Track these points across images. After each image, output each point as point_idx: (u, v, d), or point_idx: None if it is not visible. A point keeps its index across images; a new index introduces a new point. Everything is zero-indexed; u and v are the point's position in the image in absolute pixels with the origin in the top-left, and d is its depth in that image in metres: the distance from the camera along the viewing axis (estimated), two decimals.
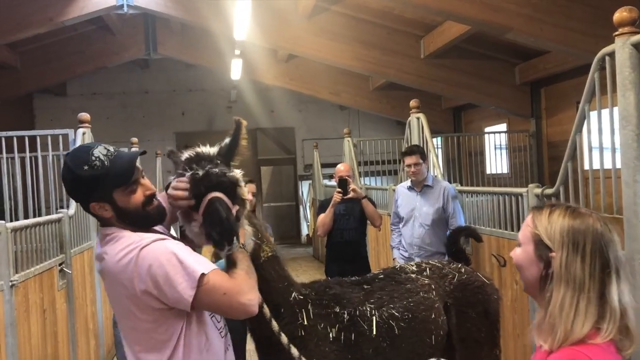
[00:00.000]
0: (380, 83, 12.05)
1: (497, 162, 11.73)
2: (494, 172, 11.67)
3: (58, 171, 5.85)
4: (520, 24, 6.78)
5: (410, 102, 6.44)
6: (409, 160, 5.12)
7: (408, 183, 5.35)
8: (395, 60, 9.97)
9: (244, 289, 1.92)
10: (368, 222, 5.54)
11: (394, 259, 5.38)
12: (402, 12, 8.96)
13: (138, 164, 2.00)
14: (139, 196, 1.99)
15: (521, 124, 10.88)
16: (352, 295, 2.82)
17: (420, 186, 5.19)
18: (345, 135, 9.87)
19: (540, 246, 1.55)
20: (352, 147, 9.59)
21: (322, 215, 5.47)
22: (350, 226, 5.45)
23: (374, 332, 2.75)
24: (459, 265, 3.35)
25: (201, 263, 1.90)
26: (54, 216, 4.59)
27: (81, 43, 11.59)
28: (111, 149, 1.97)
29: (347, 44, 9.78)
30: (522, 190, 4.13)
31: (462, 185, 8.35)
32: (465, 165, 11.87)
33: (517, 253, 1.64)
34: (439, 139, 11.49)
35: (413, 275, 3.09)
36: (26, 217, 5.45)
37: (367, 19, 9.57)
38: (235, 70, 11.18)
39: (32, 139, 5.92)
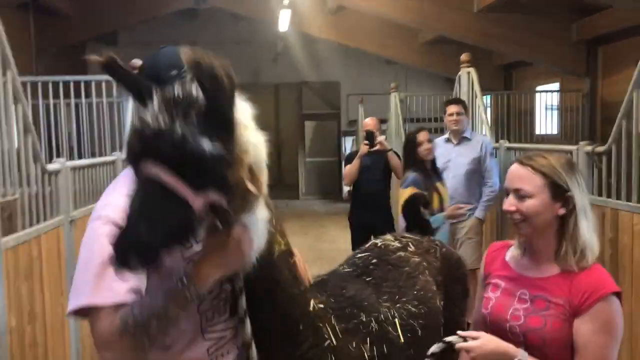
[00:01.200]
0: (430, 37, 11.78)
1: (547, 122, 11.44)
2: (543, 132, 11.40)
3: (110, 117, 6.04)
4: None
5: (461, 56, 6.32)
6: (451, 109, 5.22)
7: (446, 135, 5.39)
8: (447, 13, 9.72)
9: (106, 344, 1.39)
10: (393, 174, 5.85)
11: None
12: None
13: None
14: None
15: (574, 83, 10.52)
16: (366, 294, 2.19)
17: (458, 138, 5.24)
18: (392, 91, 9.75)
19: (556, 189, 1.83)
20: (398, 102, 9.49)
21: (348, 166, 5.81)
22: (376, 177, 5.78)
23: (402, 339, 2.17)
24: (429, 238, 2.88)
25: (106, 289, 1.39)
26: (108, 158, 4.77)
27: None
28: None
29: None
30: (572, 147, 4.06)
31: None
32: (514, 124, 11.61)
33: (528, 204, 1.84)
34: (488, 97, 11.24)
35: (403, 254, 2.53)
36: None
37: None
38: (283, 22, 11.10)
39: (87, 84, 6.10)
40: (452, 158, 5.19)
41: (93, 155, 6.23)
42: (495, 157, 5.44)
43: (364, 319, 2.05)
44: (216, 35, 15.10)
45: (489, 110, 11.46)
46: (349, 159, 5.99)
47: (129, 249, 1.22)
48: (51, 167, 3.45)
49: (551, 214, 1.84)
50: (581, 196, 1.85)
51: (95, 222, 1.42)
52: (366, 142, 5.63)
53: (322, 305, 1.91)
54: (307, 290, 1.87)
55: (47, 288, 3.31)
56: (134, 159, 1.27)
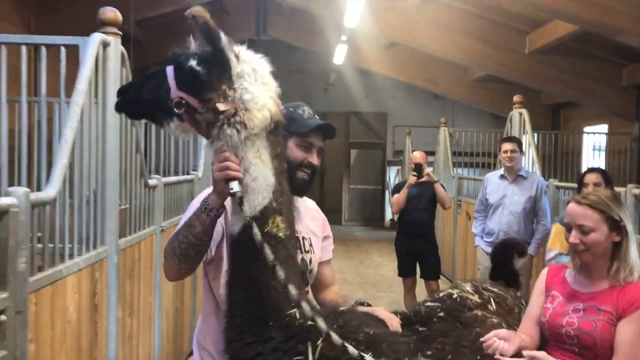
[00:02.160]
0: (479, 75, 12.13)
1: (594, 163, 11.53)
2: None
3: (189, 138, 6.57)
4: (632, 26, 6.76)
5: (514, 97, 6.65)
6: (506, 146, 5.41)
7: (500, 172, 5.61)
8: (498, 53, 10.06)
9: (164, 252, 1.99)
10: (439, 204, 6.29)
11: (476, 246, 5.73)
12: (510, 6, 9.04)
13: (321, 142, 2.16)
14: (301, 155, 2.10)
15: (623, 126, 10.66)
16: (397, 339, 1.92)
17: (513, 175, 5.42)
18: (441, 125, 10.11)
19: (613, 222, 2.20)
20: (447, 136, 9.83)
21: (397, 195, 6.24)
22: (422, 207, 6.17)
23: None
24: (517, 294, 2.61)
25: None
26: (189, 176, 5.29)
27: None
28: (313, 116, 2.22)
29: (451, 35, 9.97)
30: (621, 189, 4.32)
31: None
32: (561, 164, 11.75)
33: (591, 237, 2.19)
34: (536, 135, 11.45)
35: (479, 313, 2.26)
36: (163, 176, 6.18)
37: (473, 12, 9.70)
38: (339, 55, 11.64)
39: None
40: (507, 195, 5.40)
41: (168, 172, 6.76)
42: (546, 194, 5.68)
43: None
44: (272, 64, 15.73)
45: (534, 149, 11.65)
46: (397, 188, 6.42)
47: (118, 92, 1.92)
48: (151, 182, 3.95)
49: (609, 242, 2.23)
50: (629, 224, 2.24)
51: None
52: (414, 173, 6.05)
53: (312, 323, 1.73)
54: (294, 299, 1.74)
55: (142, 287, 3.77)
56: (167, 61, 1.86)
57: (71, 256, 2.73)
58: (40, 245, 2.45)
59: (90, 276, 2.89)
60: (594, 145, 11.67)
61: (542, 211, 5.34)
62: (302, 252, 2.17)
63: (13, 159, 3.41)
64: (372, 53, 12.44)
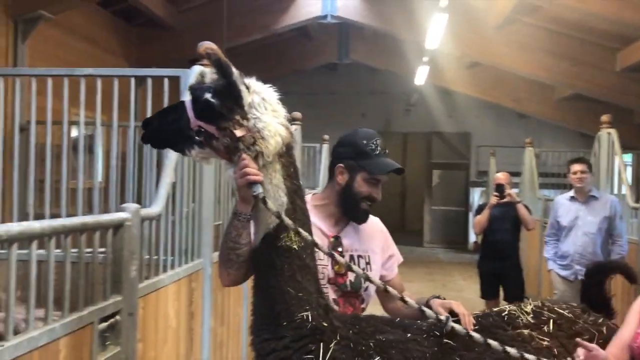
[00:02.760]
0: (567, 94, 11.79)
1: None
2: None
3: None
4: None
5: (602, 117, 6.46)
6: (575, 167, 5.31)
7: (570, 194, 5.48)
8: (586, 71, 9.79)
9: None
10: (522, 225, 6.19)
11: (549, 270, 5.60)
12: (597, 24, 8.82)
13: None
14: (367, 190, 2.25)
15: None
16: (412, 347, 1.95)
17: (584, 196, 5.30)
18: (526, 145, 9.91)
19: None
20: (533, 157, 9.62)
21: (479, 216, 6.26)
22: (504, 227, 6.12)
23: None
24: (599, 319, 2.29)
25: None
26: None
27: (283, 47, 12.96)
28: (383, 147, 2.27)
29: (535, 54, 9.83)
30: None
31: None
32: None
33: None
34: (630, 155, 10.96)
35: (526, 332, 2.09)
36: None
37: (558, 30, 9.53)
38: (420, 76, 11.73)
39: None
40: (580, 216, 5.28)
41: None
42: (637, 216, 5.50)
43: None
44: (353, 86, 16.10)
45: (629, 169, 11.14)
46: (480, 209, 6.43)
47: (143, 124, 2.05)
48: None
49: None
50: None
51: None
52: (496, 194, 6.03)
53: (326, 325, 1.91)
54: (309, 303, 1.92)
55: (232, 298, 4.03)
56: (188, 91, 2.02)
57: (172, 267, 3.02)
58: (147, 257, 2.75)
59: (188, 286, 3.17)
60: None
61: (618, 231, 5.18)
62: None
63: (124, 178, 3.80)
64: (453, 73, 12.43)
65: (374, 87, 16.10)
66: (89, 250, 2.26)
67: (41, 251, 2.00)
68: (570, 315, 2.23)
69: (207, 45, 1.84)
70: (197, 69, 3.36)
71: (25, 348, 1.71)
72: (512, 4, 8.30)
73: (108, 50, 9.49)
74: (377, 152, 2.25)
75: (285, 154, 1.96)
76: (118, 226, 2.29)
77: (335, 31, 12.50)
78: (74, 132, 5.04)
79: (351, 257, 2.27)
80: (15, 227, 1.63)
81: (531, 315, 2.19)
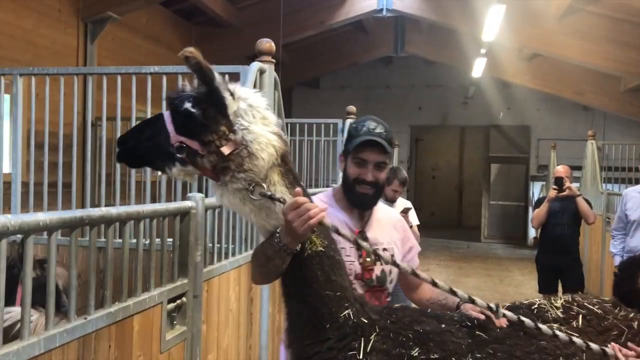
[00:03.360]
0: (634, 84, 11.33)
1: None
2: None
3: (329, 153, 7.04)
4: None
5: None
6: None
7: None
8: None
9: (252, 263, 2.06)
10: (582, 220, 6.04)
11: (616, 266, 5.45)
12: None
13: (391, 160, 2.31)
14: (355, 172, 2.15)
15: None
16: (448, 338, 1.96)
17: None
18: (589, 138, 9.62)
19: None
20: (595, 150, 9.33)
21: (537, 210, 6.13)
22: (564, 222, 5.99)
23: None
24: (630, 314, 2.22)
25: None
26: (327, 189, 5.66)
27: (339, 42, 13.04)
28: (378, 129, 2.15)
29: (599, 44, 9.50)
30: None
31: None
32: None
33: None
34: None
35: (555, 326, 2.06)
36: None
37: (623, 18, 9.17)
38: (478, 68, 11.55)
39: (309, 125, 7.20)
40: None
41: (316, 185, 7.26)
42: None
43: (415, 354, 1.90)
44: (408, 79, 16.01)
45: None
46: (538, 203, 6.32)
47: (118, 142, 1.86)
48: None
49: None
50: None
51: None
52: (555, 187, 5.95)
53: (365, 320, 1.91)
54: (347, 299, 1.90)
55: None
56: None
57: (233, 254, 3.17)
58: (210, 245, 2.91)
59: (247, 272, 3.31)
60: None
61: None
62: (382, 264, 2.18)
63: None
64: (513, 65, 12.17)
65: (430, 80, 15.95)
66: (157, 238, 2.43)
67: (118, 240, 2.17)
68: (599, 311, 2.18)
69: (186, 50, 1.68)
70: (255, 65, 3.50)
71: (105, 322, 1.88)
72: None
73: (170, 48, 9.84)
74: (361, 131, 2.15)
75: (283, 161, 1.83)
76: (185, 213, 2.45)
77: (391, 24, 12.47)
78: None
79: (375, 250, 2.09)
80: (96, 211, 1.79)
81: (560, 310, 2.16)
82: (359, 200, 2.18)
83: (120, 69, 3.91)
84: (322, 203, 2.04)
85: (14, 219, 1.48)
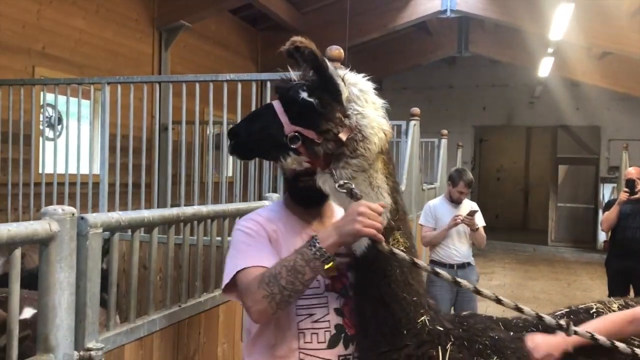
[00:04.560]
0: None
1: None
2: None
3: (392, 154, 7.10)
4: None
5: None
6: None
7: None
8: None
9: (253, 294, 1.64)
10: None
11: None
12: None
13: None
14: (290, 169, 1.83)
15: None
16: (521, 346, 1.91)
17: None
18: None
19: None
20: None
21: (607, 212, 6.02)
22: (635, 225, 5.81)
23: None
24: None
25: (250, 257, 1.74)
26: None
27: (401, 43, 13.05)
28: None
29: None
30: None
31: None
32: None
33: None
34: None
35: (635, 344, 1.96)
36: None
37: None
38: (544, 68, 11.31)
39: None
40: None
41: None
42: None
43: None
44: (472, 79, 15.79)
45: None
46: (608, 205, 6.20)
47: (229, 134, 1.80)
48: None
49: None
50: None
51: (238, 225, 1.87)
52: (626, 189, 5.81)
53: (441, 328, 1.82)
54: (422, 306, 1.80)
55: None
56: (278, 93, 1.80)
57: None
58: None
59: None
60: None
61: None
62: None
63: (246, 173, 4.19)
64: (581, 64, 11.83)
65: (495, 80, 15.68)
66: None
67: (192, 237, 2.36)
68: None
69: (296, 39, 1.64)
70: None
71: (196, 310, 2.07)
72: None
73: (238, 53, 10.20)
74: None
75: (386, 150, 1.79)
76: None
77: (455, 25, 12.38)
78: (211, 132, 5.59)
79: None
80: (189, 209, 1.99)
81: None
82: (306, 195, 1.87)
83: (198, 76, 4.16)
84: (266, 210, 1.91)
85: (124, 215, 1.69)
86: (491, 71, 15.47)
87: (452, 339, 1.82)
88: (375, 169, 1.74)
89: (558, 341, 1.89)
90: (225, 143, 4.29)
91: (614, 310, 2.13)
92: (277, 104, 1.75)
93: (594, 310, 2.14)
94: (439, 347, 1.79)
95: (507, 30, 11.44)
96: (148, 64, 7.83)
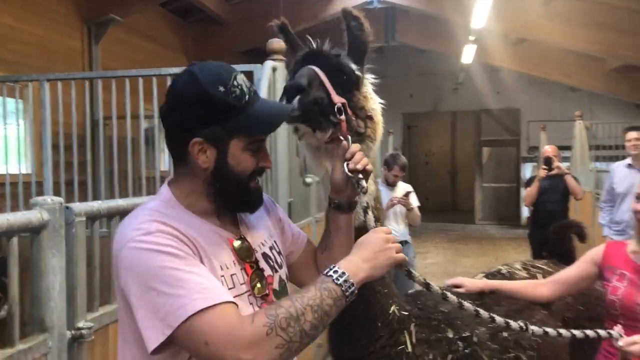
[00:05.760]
0: (617, 65, 11.71)
1: None
2: None
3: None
4: None
5: None
6: (631, 135, 5.55)
7: (627, 161, 5.68)
8: (635, 41, 9.75)
9: (244, 341, 1.20)
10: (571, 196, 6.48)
11: (604, 236, 5.81)
12: None
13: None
14: (253, 162, 1.42)
15: None
16: (462, 315, 2.03)
17: None
18: (576, 118, 9.99)
19: None
20: (583, 130, 9.71)
21: (528, 189, 6.56)
22: (554, 199, 6.39)
23: None
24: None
25: (206, 290, 1.23)
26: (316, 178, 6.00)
27: (331, 33, 13.26)
28: (254, 88, 1.46)
29: (582, 28, 9.87)
30: None
31: None
32: None
33: None
34: None
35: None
36: None
37: (604, 1, 9.53)
38: (467, 55, 11.89)
39: None
40: (634, 182, 5.47)
41: None
42: None
43: (451, 336, 1.99)
44: (401, 68, 16.29)
45: None
46: (529, 182, 6.73)
47: (291, 89, 1.58)
48: (307, 180, 4.69)
49: None
50: None
51: (136, 243, 1.25)
52: (544, 167, 6.34)
53: (405, 313, 1.91)
54: (391, 296, 1.87)
55: None
56: (303, 60, 1.73)
57: None
58: None
59: None
60: None
61: None
62: (275, 271, 1.52)
63: None
64: (501, 50, 12.49)
65: (422, 68, 16.25)
66: None
67: None
68: (550, 269, 2.69)
69: (350, 9, 1.68)
70: (269, 63, 3.82)
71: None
72: None
73: (169, 46, 10.11)
74: (247, 97, 1.39)
75: None
76: None
77: (382, 15, 12.74)
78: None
79: (264, 255, 1.51)
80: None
81: (524, 272, 2.66)
82: (254, 200, 1.48)
83: (140, 71, 4.23)
84: (162, 216, 1.33)
85: (103, 204, 1.81)
86: (418, 59, 16.01)
87: (414, 319, 1.95)
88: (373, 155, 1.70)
89: (479, 283, 2.37)
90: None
91: (518, 268, 2.69)
92: (320, 72, 1.62)
93: (503, 271, 2.65)
94: (405, 331, 1.91)
95: (433, 19, 11.91)
96: (79, 60, 7.67)
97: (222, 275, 1.33)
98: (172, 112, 1.36)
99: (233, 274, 1.37)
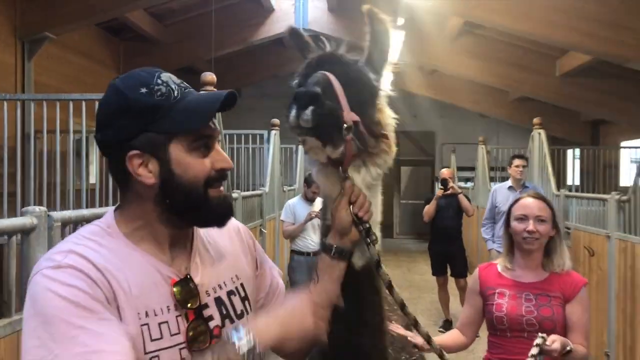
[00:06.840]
0: (518, 95, 13.04)
1: (631, 175, 12.15)
2: (627, 184, 12.12)
3: (256, 159, 7.96)
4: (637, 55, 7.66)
5: (534, 119, 7.65)
6: (518, 162, 6.48)
7: (508, 183, 6.59)
8: (530, 77, 11.03)
9: None
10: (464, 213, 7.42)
11: (489, 250, 6.70)
12: (536, 37, 10.03)
13: (219, 123, 1.58)
14: (205, 165, 1.24)
15: None
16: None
17: (520, 187, 6.40)
18: (479, 143, 11.12)
19: (553, 217, 2.60)
20: (485, 153, 10.83)
21: (427, 206, 7.42)
22: (449, 215, 7.30)
23: None
24: None
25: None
26: (257, 191, 6.61)
27: (261, 55, 13.93)
28: (185, 83, 1.29)
29: (486, 62, 11.04)
30: (607, 196, 5.31)
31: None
32: (601, 176, 12.39)
33: (545, 227, 2.52)
34: (578, 150, 12.26)
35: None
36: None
37: (505, 41, 10.74)
38: (385, 82, 12.83)
39: (238, 135, 8.11)
40: None
41: (249, 189, 8.14)
42: (556, 205, 6.63)
43: None
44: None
45: (577, 162, 12.45)
46: (428, 201, 7.59)
47: (304, 96, 1.30)
48: (234, 195, 5.28)
49: (550, 234, 2.55)
50: (560, 222, 2.85)
51: (43, 277, 1.11)
52: (441, 187, 7.28)
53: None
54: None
55: None
56: (317, 64, 1.45)
57: None
58: None
59: None
60: (631, 159, 12.35)
61: None
62: (231, 321, 1.32)
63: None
64: (416, 78, 13.56)
65: None
66: None
67: None
68: None
69: (372, 8, 1.40)
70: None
71: None
72: (461, 21, 9.49)
73: (101, 62, 10.40)
74: (175, 93, 1.23)
75: None
76: None
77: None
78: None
79: (217, 300, 1.31)
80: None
81: None
82: (219, 211, 1.29)
83: (60, 95, 4.74)
84: (88, 246, 1.18)
85: (73, 213, 2.34)
86: None
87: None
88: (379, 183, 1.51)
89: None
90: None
91: None
92: (335, 82, 1.36)
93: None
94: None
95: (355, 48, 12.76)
96: (11, 75, 7.89)
97: (146, 324, 1.16)
98: (103, 131, 1.21)
99: (163, 322, 1.18)
